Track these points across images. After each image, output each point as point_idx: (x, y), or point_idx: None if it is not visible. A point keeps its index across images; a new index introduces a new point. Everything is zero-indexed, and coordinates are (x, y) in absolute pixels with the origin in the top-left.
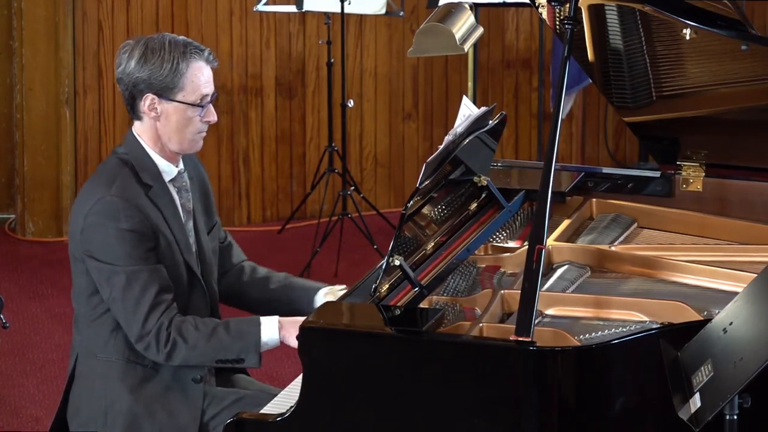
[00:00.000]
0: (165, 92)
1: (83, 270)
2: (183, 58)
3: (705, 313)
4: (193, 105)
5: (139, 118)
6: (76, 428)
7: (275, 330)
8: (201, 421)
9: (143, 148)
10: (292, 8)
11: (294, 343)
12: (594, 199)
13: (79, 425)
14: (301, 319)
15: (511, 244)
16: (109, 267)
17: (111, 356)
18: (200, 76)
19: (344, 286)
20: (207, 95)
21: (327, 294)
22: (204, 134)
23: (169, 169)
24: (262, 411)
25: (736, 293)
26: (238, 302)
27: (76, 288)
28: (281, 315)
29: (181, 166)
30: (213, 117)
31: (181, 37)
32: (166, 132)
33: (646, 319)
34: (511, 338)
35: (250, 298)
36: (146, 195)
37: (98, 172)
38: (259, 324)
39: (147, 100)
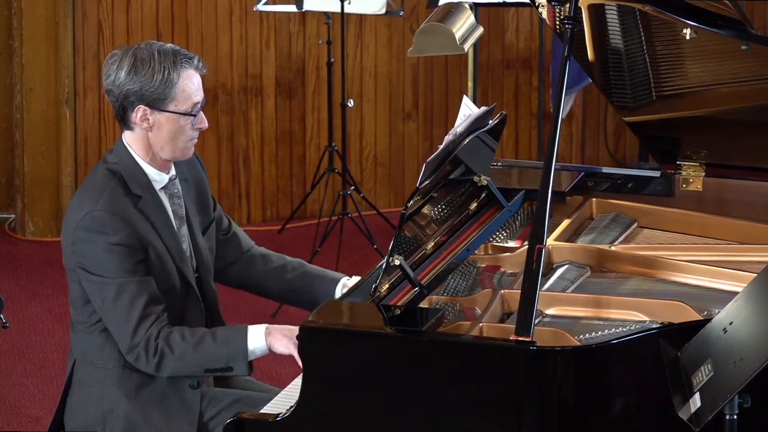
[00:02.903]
0: (157, 103)
1: (76, 279)
2: (174, 68)
3: (705, 313)
4: (185, 114)
5: (130, 128)
6: (73, 430)
7: (262, 338)
8: (200, 422)
9: (133, 158)
10: (292, 8)
11: (281, 350)
12: (594, 199)
13: (77, 429)
14: (290, 326)
15: (511, 243)
16: (100, 279)
17: (107, 363)
18: (191, 85)
19: (360, 277)
20: (198, 103)
21: (345, 287)
22: (195, 141)
23: (160, 178)
24: (261, 411)
25: (736, 293)
26: (256, 291)
27: (72, 295)
28: (303, 304)
29: (173, 172)
30: (204, 124)
31: (169, 45)
32: (159, 142)
33: (646, 318)
34: (511, 338)
35: (268, 289)
36: (135, 206)
37: (88, 183)
38: (245, 332)
39: (139, 112)
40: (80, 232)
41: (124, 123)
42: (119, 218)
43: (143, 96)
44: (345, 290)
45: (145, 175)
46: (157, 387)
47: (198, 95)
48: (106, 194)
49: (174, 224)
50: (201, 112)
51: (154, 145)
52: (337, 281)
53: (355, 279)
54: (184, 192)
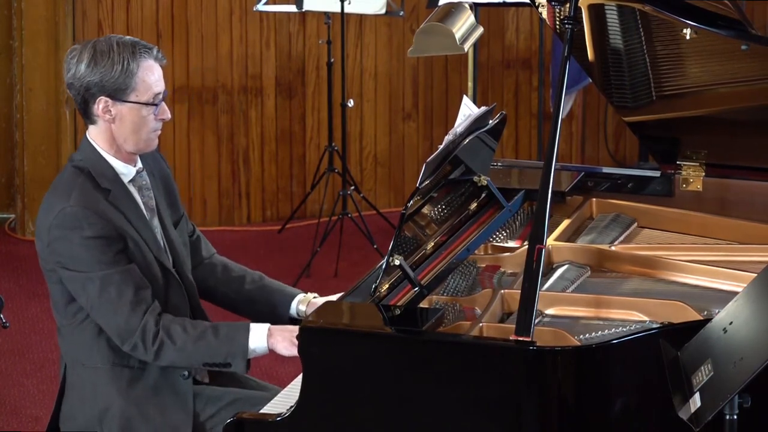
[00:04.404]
0: (118, 94)
1: (56, 280)
2: (133, 59)
3: (705, 312)
4: (146, 104)
5: (94, 122)
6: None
7: (263, 337)
8: (198, 420)
9: (98, 152)
10: (292, 8)
11: (282, 351)
12: (594, 199)
13: (76, 431)
14: (291, 327)
15: (511, 243)
16: (82, 275)
17: (97, 363)
18: (151, 75)
19: (316, 294)
20: (159, 93)
21: (301, 302)
22: (159, 132)
23: (127, 171)
24: (261, 411)
25: (736, 293)
26: (213, 299)
27: (53, 299)
28: (257, 315)
29: (140, 165)
30: (167, 115)
31: (128, 37)
32: (122, 133)
33: (646, 318)
34: (511, 338)
35: (226, 297)
36: (106, 200)
37: (56, 184)
38: (248, 330)
39: (100, 103)
40: (55, 232)
41: (87, 116)
42: (92, 212)
43: (104, 87)
44: (303, 306)
45: (111, 168)
46: (149, 380)
47: (159, 85)
48: (76, 191)
49: (146, 215)
50: (163, 103)
51: (118, 137)
52: (294, 296)
53: (315, 295)
54: (153, 186)
